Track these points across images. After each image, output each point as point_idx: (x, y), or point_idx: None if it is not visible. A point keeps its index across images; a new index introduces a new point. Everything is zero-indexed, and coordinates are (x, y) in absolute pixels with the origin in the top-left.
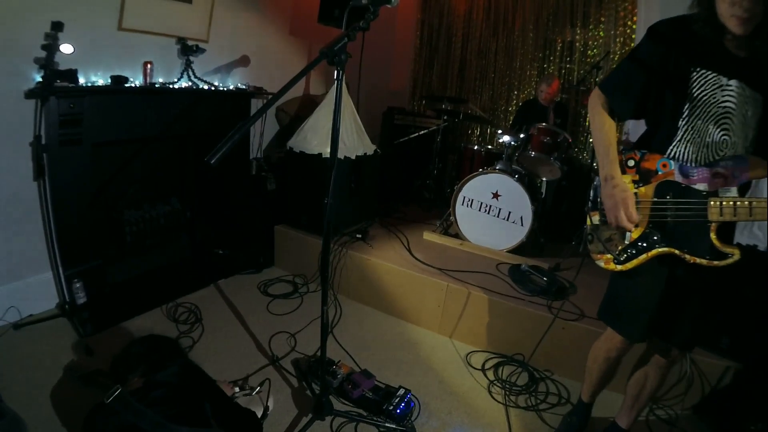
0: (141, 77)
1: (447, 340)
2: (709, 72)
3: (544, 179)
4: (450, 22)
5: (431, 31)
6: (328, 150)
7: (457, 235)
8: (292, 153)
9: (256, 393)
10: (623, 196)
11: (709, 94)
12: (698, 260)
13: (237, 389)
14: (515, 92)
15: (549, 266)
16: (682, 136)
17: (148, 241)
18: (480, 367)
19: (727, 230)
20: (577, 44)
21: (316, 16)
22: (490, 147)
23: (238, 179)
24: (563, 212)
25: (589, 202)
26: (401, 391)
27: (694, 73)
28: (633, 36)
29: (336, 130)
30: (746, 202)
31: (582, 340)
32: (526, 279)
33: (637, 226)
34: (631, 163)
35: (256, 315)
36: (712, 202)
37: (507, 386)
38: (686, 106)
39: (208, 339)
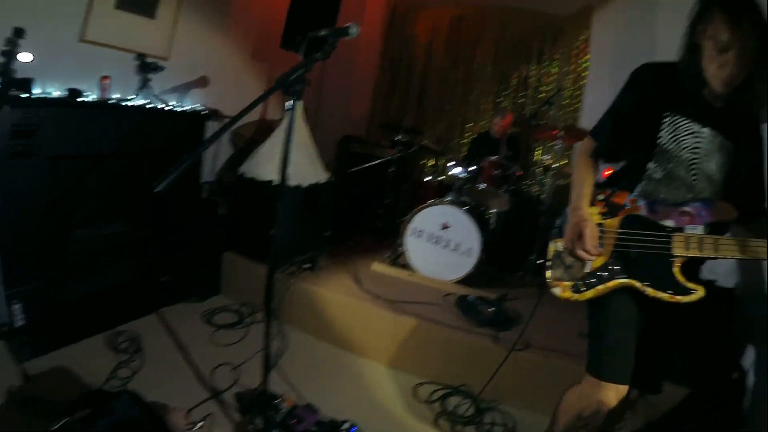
0: (98, 91)
1: (394, 371)
2: (683, 118)
3: (493, 211)
4: (411, 52)
5: (393, 61)
6: (280, 177)
7: (407, 266)
8: (244, 178)
9: (198, 428)
10: (583, 225)
11: (681, 139)
12: (660, 294)
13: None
14: (470, 124)
15: (497, 296)
16: (652, 177)
17: (93, 263)
18: (427, 399)
19: (692, 269)
20: (531, 80)
21: (280, 41)
22: (442, 178)
23: (187, 202)
24: (513, 243)
25: (555, 229)
26: (347, 425)
27: (668, 118)
28: (584, 74)
29: (286, 161)
30: (712, 239)
31: (528, 370)
32: (473, 310)
33: (600, 255)
34: (601, 197)
35: (199, 346)
36: (677, 237)
37: (454, 418)
38: (658, 149)
39: (149, 370)
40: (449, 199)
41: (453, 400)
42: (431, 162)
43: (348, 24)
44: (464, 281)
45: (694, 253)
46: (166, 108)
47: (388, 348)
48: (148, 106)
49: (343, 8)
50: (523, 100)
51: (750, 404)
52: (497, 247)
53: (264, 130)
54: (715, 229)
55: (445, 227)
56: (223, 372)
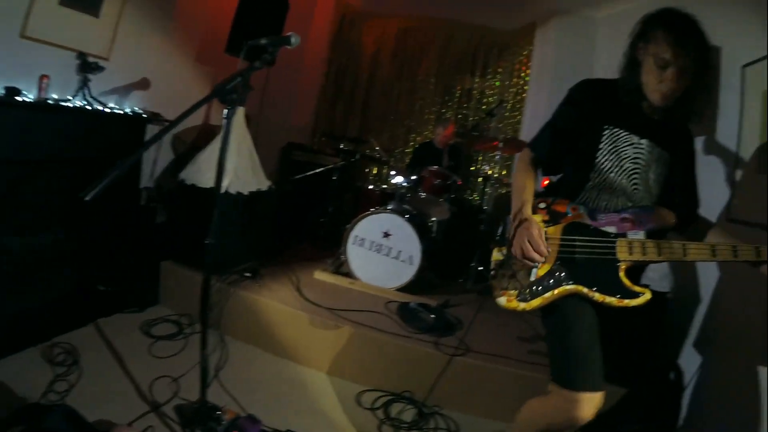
0: (36, 91)
1: (336, 380)
2: (622, 130)
3: (434, 219)
4: (357, 62)
5: (338, 70)
6: (222, 184)
7: (349, 274)
8: (184, 185)
9: None
10: (530, 227)
11: (621, 149)
12: (608, 299)
13: None
14: (413, 134)
15: (438, 303)
16: (594, 185)
17: (27, 273)
18: (370, 406)
19: (634, 275)
20: (475, 92)
21: (225, 45)
22: (385, 187)
23: (126, 209)
24: (453, 251)
25: (497, 237)
26: None
27: (607, 131)
28: (525, 87)
29: (221, 169)
30: (654, 243)
31: (468, 374)
32: (414, 316)
33: (544, 262)
34: (543, 205)
35: (137, 357)
36: (621, 242)
37: (397, 424)
38: (598, 159)
39: (86, 383)
40: (391, 207)
41: (396, 407)
42: (374, 170)
43: (289, 33)
44: (406, 289)
45: (638, 257)
46: (106, 110)
47: (330, 356)
48: (87, 108)
49: (290, 15)
50: (466, 111)
51: (688, 402)
52: (438, 255)
53: (206, 135)
54: (654, 235)
55: (386, 235)
56: (163, 384)
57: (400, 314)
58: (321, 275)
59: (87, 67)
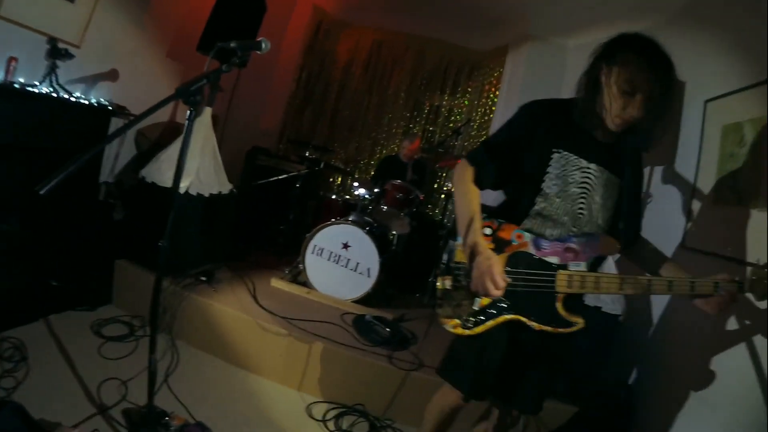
0: (3, 73)
1: (288, 390)
2: (571, 154)
3: (395, 233)
4: (329, 71)
5: (309, 77)
6: (182, 184)
7: (306, 284)
8: (145, 182)
9: None
10: (489, 264)
11: (569, 174)
12: (544, 328)
13: None
14: (379, 147)
15: (394, 317)
16: (539, 211)
17: None
18: (321, 418)
19: (575, 297)
20: (443, 109)
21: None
22: (348, 197)
23: (83, 203)
24: (412, 265)
25: (441, 266)
26: None
27: (556, 153)
28: (493, 108)
29: (180, 170)
30: (593, 276)
31: (421, 389)
32: (369, 329)
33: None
34: (488, 231)
35: (87, 357)
36: (560, 275)
37: None
38: (545, 183)
39: (34, 381)
40: (352, 218)
41: (348, 420)
42: (338, 180)
43: (260, 39)
44: (363, 301)
45: (576, 290)
46: (72, 99)
47: (283, 366)
48: (52, 96)
49: (267, 18)
50: (433, 128)
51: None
52: (397, 269)
53: (170, 133)
54: (594, 260)
55: (345, 246)
56: (111, 386)
57: (356, 326)
58: (278, 283)
59: (57, 53)
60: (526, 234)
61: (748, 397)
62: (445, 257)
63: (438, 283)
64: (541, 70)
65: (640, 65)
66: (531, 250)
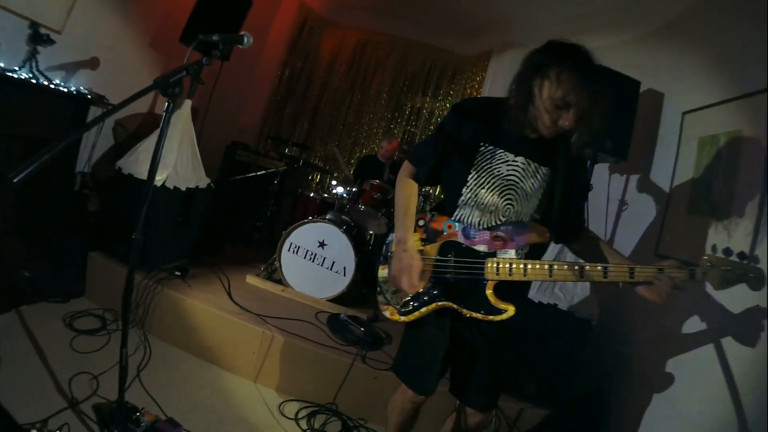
0: None
1: (261, 388)
2: (498, 148)
3: (371, 232)
4: (312, 68)
5: (292, 74)
6: (159, 177)
7: (281, 281)
8: (121, 174)
9: None
10: (410, 263)
11: (495, 167)
12: (474, 314)
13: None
14: (359, 146)
15: (368, 317)
16: (467, 202)
17: None
18: (293, 417)
19: (515, 289)
20: (424, 111)
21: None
22: (326, 196)
23: (58, 193)
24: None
25: (381, 257)
26: None
27: (482, 147)
28: None
29: (155, 163)
30: (521, 263)
31: (394, 389)
32: (343, 328)
33: (421, 281)
34: (421, 222)
35: (58, 350)
36: (489, 263)
37: None
38: (471, 176)
39: (4, 373)
40: (329, 217)
41: (320, 418)
42: (317, 178)
43: (242, 33)
44: (338, 300)
45: (504, 277)
46: (51, 86)
47: (256, 363)
48: (32, 82)
49: (252, 12)
50: (413, 129)
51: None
52: (373, 268)
53: (149, 124)
54: (534, 250)
55: (322, 245)
56: (83, 380)
57: (330, 325)
58: (253, 280)
59: (38, 38)
60: (456, 224)
61: (716, 401)
62: (384, 249)
63: (379, 272)
64: None
65: (574, 81)
66: (460, 239)
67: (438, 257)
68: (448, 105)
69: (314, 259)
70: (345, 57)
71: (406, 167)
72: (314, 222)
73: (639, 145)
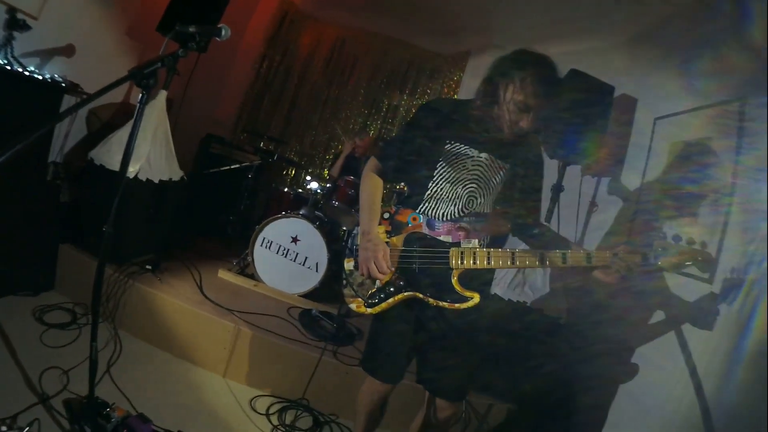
0: None
1: (233, 383)
2: (462, 145)
3: (345, 228)
4: (291, 62)
5: (270, 67)
6: (132, 169)
7: (253, 276)
8: (93, 164)
9: None
10: (375, 250)
11: (461, 162)
12: (440, 303)
13: (4, 428)
14: (335, 142)
15: (340, 312)
16: (432, 195)
17: None
18: (264, 412)
19: (479, 280)
20: (401, 109)
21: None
22: (300, 191)
23: (29, 184)
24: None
25: (347, 250)
26: None
27: (448, 145)
28: None
29: (128, 154)
30: (485, 252)
31: None
32: (315, 324)
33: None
34: (386, 215)
35: (27, 345)
36: (453, 252)
37: (291, 431)
38: (437, 171)
39: None
40: (302, 212)
41: (292, 413)
42: (292, 173)
43: (220, 25)
44: (310, 295)
45: (468, 265)
46: (25, 73)
47: (228, 359)
48: (6, 68)
49: (233, 3)
50: (390, 127)
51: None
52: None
53: (123, 115)
54: (494, 242)
55: (295, 240)
56: (53, 375)
57: (302, 321)
58: (225, 275)
59: (14, 23)
60: (421, 216)
61: (681, 398)
62: (349, 241)
63: (345, 265)
64: None
65: (535, 88)
66: (425, 230)
67: (403, 248)
68: (424, 103)
69: (287, 255)
70: (324, 52)
71: (372, 163)
72: (288, 217)
73: (611, 147)
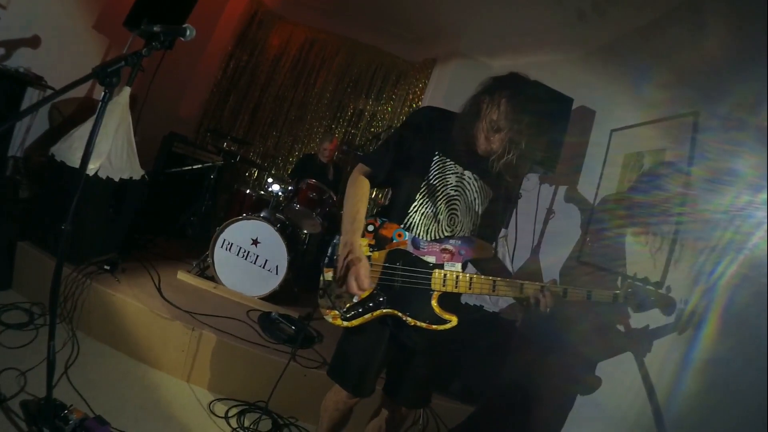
0: None
1: (190, 386)
2: (449, 159)
3: (306, 232)
4: (258, 62)
5: (237, 66)
6: (92, 166)
7: (213, 278)
8: (54, 161)
9: None
10: (357, 265)
11: (445, 178)
12: (419, 323)
13: None
14: (299, 144)
15: (300, 315)
16: (417, 208)
17: None
18: (223, 415)
19: (452, 296)
20: (366, 114)
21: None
22: (262, 193)
23: None
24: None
25: (326, 258)
26: None
27: (436, 157)
28: None
29: (88, 151)
30: (468, 277)
31: (324, 387)
32: (274, 327)
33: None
34: (371, 228)
35: None
36: (436, 273)
37: None
38: (424, 183)
39: None
40: (263, 215)
41: (251, 417)
42: (254, 175)
43: (185, 25)
44: (270, 298)
45: (450, 288)
46: None
47: (186, 361)
48: None
49: (202, 1)
50: (354, 131)
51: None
52: (306, 268)
53: (86, 110)
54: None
55: (255, 243)
56: (10, 377)
57: (261, 324)
58: (184, 276)
59: None
60: (406, 233)
61: (633, 403)
62: (329, 250)
63: (323, 275)
64: (465, 87)
65: (507, 110)
66: (410, 248)
67: (386, 264)
68: (389, 109)
69: (247, 257)
70: (291, 53)
71: (360, 168)
72: (248, 219)
73: (569, 157)
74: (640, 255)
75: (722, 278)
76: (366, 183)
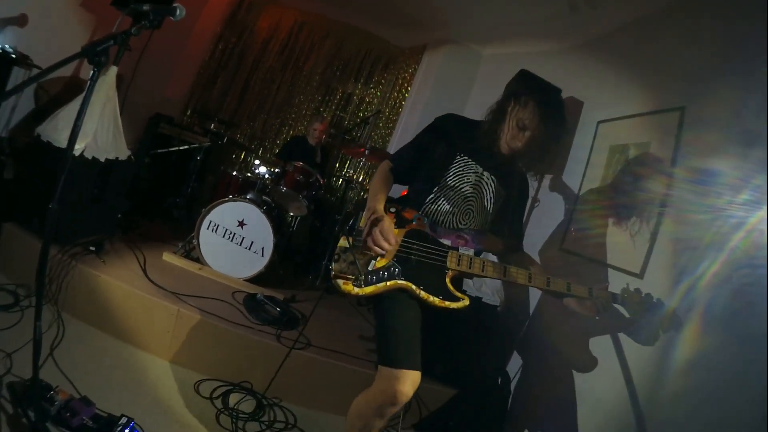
0: None
1: (175, 367)
2: (470, 159)
3: (291, 214)
4: (246, 44)
5: (225, 48)
6: (78, 146)
7: (198, 259)
8: (39, 141)
9: None
10: (383, 221)
11: (465, 174)
12: (432, 298)
13: None
14: (286, 127)
15: (285, 297)
16: (436, 199)
17: None
18: (208, 396)
19: (459, 284)
20: (355, 98)
21: None
22: (248, 175)
23: None
24: (308, 248)
25: (347, 228)
26: (124, 420)
27: (458, 156)
28: (403, 102)
29: (75, 131)
30: (480, 261)
31: (308, 368)
32: (259, 308)
33: (383, 257)
34: (393, 209)
35: None
36: (451, 254)
37: (235, 414)
38: (444, 180)
39: None
40: (249, 197)
41: (235, 397)
42: (241, 156)
43: (175, 5)
44: (255, 280)
45: (464, 269)
46: None
47: (171, 342)
48: None
49: None
50: (343, 114)
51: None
52: (292, 250)
53: (72, 90)
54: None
55: (241, 224)
56: None
57: (246, 305)
58: (169, 257)
59: None
60: (426, 218)
61: (611, 389)
62: (351, 221)
63: (340, 241)
64: (454, 73)
65: (535, 111)
66: (428, 230)
67: (405, 239)
68: (378, 93)
69: (233, 239)
70: (281, 36)
71: (386, 163)
72: (234, 201)
73: (555, 147)
74: (621, 245)
75: (702, 278)
76: (389, 175)
